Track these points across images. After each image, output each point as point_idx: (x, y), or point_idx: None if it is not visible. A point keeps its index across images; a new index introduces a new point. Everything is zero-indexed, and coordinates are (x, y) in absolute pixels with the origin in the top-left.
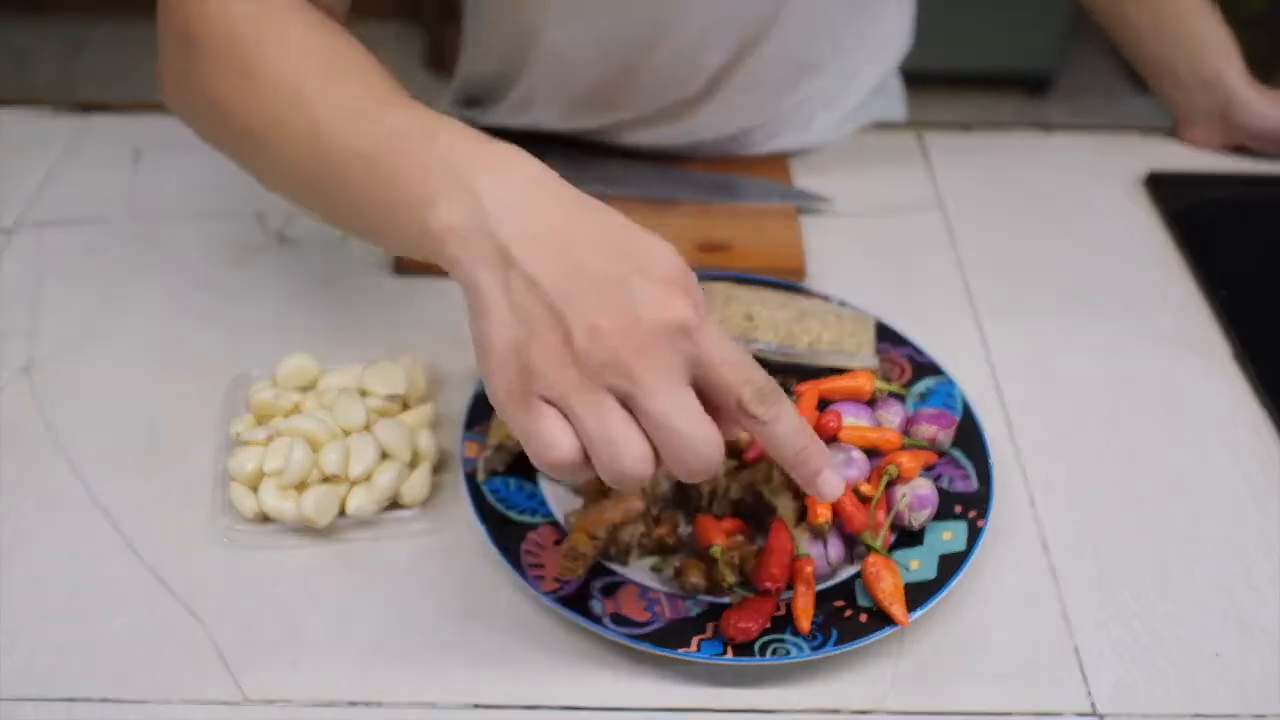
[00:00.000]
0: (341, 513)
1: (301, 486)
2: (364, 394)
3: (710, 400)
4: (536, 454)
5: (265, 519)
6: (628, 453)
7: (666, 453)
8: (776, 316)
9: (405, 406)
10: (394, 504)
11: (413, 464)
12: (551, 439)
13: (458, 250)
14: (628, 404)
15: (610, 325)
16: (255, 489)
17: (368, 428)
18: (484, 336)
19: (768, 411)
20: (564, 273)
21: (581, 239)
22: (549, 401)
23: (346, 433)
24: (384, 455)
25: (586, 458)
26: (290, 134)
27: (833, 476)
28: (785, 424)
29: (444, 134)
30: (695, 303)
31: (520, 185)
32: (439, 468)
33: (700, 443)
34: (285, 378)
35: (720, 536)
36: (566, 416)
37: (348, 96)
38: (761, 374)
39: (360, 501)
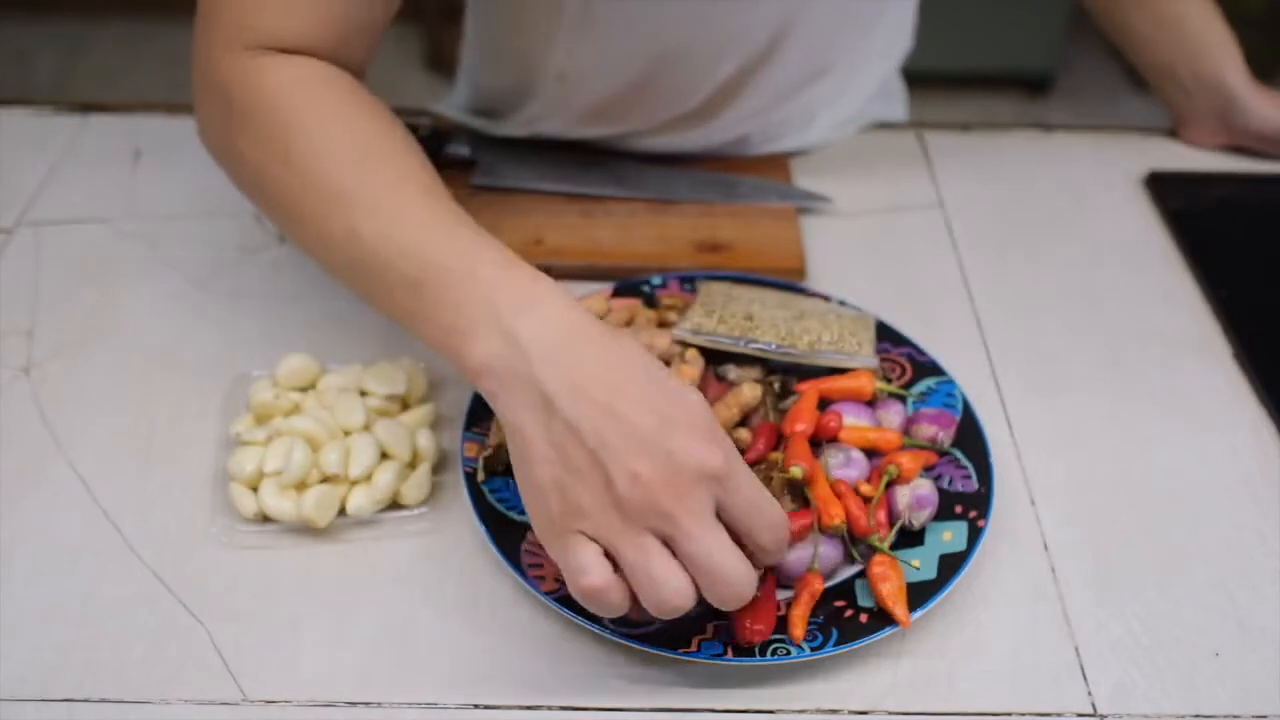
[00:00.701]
0: (341, 512)
1: (301, 486)
2: (364, 394)
3: (732, 532)
4: (572, 580)
5: (265, 519)
6: (670, 587)
7: (705, 585)
8: (776, 316)
9: (405, 406)
10: (394, 504)
11: (413, 464)
12: (587, 565)
13: (495, 388)
14: (667, 543)
15: (650, 473)
16: (255, 489)
17: (368, 428)
18: (527, 474)
19: (779, 553)
20: (603, 422)
21: (619, 389)
22: (590, 538)
23: (346, 433)
24: (384, 455)
25: (620, 587)
26: (330, 233)
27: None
28: (791, 557)
29: (484, 266)
30: (725, 450)
31: (559, 333)
32: (439, 468)
33: (736, 577)
34: (285, 378)
35: None
36: (607, 550)
37: (391, 209)
38: (779, 514)
39: (360, 501)
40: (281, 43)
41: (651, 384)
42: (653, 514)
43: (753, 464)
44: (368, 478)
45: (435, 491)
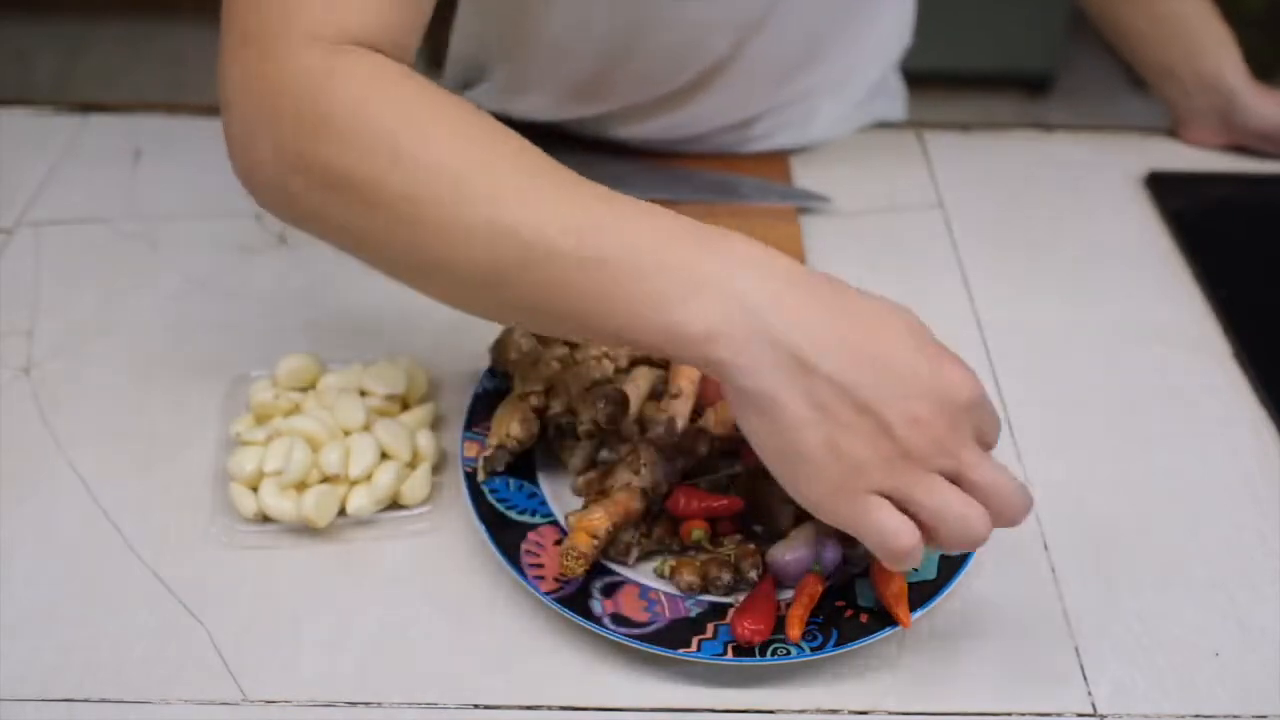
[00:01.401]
0: (342, 513)
1: (301, 486)
2: (364, 394)
3: None
4: (879, 545)
5: (265, 519)
6: (978, 520)
7: (995, 508)
8: None
9: (405, 406)
10: (394, 504)
11: (413, 464)
12: (893, 528)
13: (731, 354)
14: (954, 479)
15: (929, 414)
16: (255, 489)
17: (368, 428)
18: (791, 443)
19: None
20: (869, 370)
21: (871, 333)
22: (881, 493)
23: (346, 433)
24: (384, 455)
25: (921, 538)
26: (463, 232)
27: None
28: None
29: (671, 231)
30: (974, 374)
31: (783, 284)
32: (439, 468)
33: (1017, 494)
34: (285, 378)
35: (699, 521)
36: (898, 503)
37: (537, 194)
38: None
39: (360, 501)
40: (348, 34)
41: (892, 321)
42: (939, 453)
43: (754, 467)
44: (368, 478)
45: (435, 491)
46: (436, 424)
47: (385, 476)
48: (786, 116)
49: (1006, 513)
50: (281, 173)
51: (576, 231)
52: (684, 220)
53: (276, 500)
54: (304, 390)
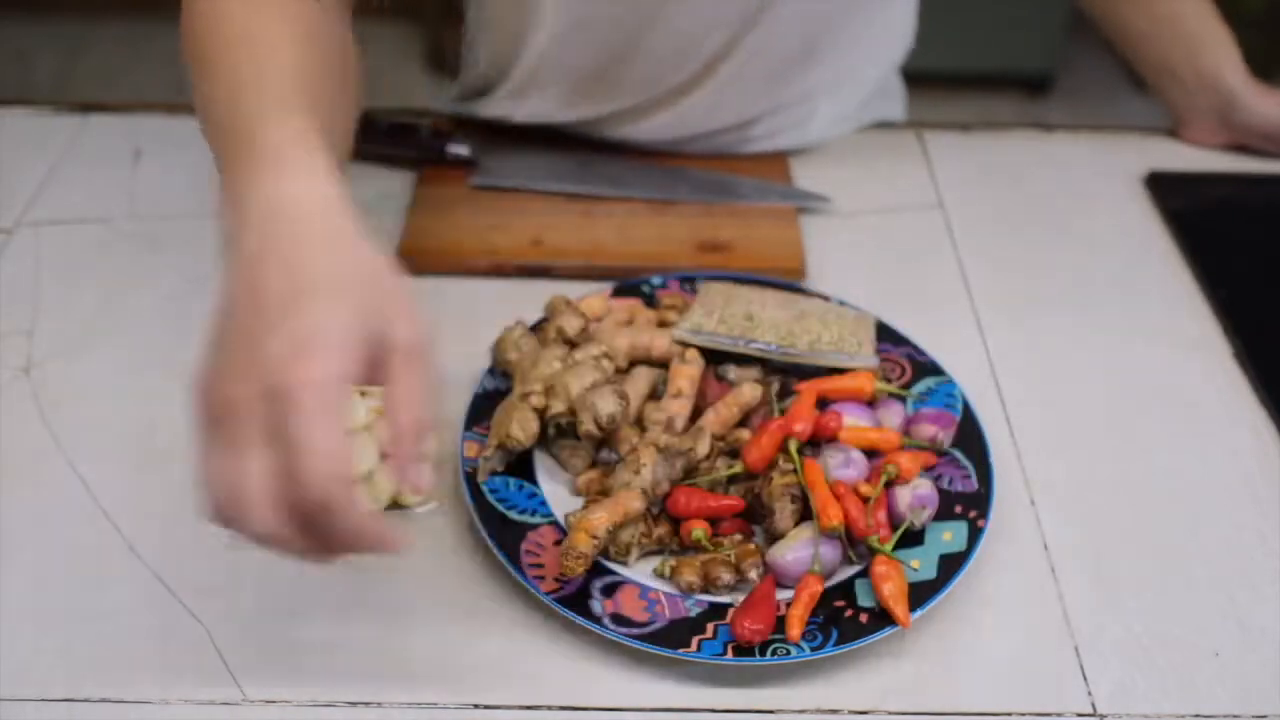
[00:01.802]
0: None
1: None
2: (363, 394)
3: None
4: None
5: None
6: (254, 505)
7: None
8: (776, 316)
9: None
10: (394, 504)
11: None
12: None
13: (225, 248)
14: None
15: (243, 364)
16: None
17: (368, 428)
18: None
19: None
20: (246, 295)
21: (278, 262)
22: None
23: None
24: (384, 455)
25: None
26: (201, 96)
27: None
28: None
29: (260, 137)
30: (309, 365)
31: (286, 197)
32: (438, 469)
33: (253, 510)
34: None
35: (699, 521)
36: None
37: (237, 86)
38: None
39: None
40: None
41: (307, 268)
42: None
43: (754, 465)
44: (368, 477)
45: (435, 492)
46: (436, 425)
47: (385, 476)
48: (786, 118)
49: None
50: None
51: (219, 124)
52: (280, 128)
53: None
54: None
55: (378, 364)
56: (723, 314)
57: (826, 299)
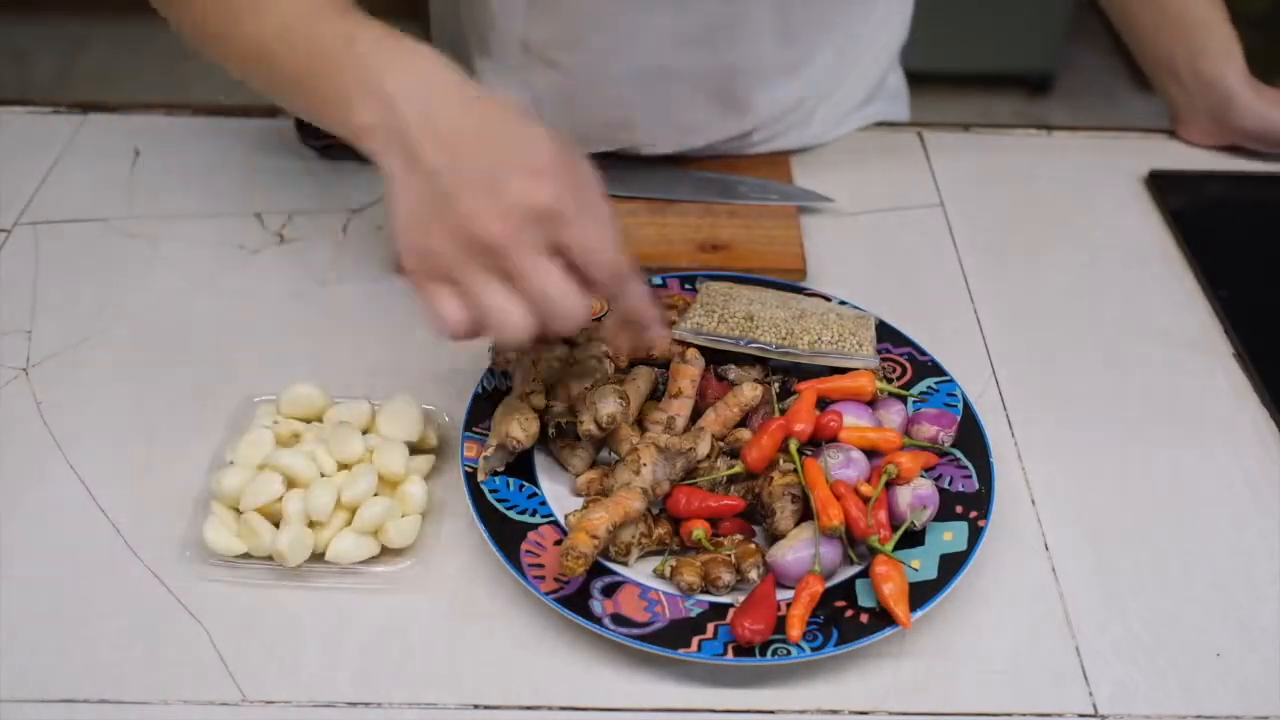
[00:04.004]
0: (320, 556)
1: (278, 521)
2: (366, 432)
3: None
4: (433, 327)
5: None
6: (508, 319)
7: (539, 313)
8: (777, 316)
9: (411, 451)
10: (384, 550)
11: (404, 510)
12: (444, 313)
13: (375, 146)
14: (511, 280)
15: (488, 211)
16: (239, 511)
17: (369, 457)
18: (392, 214)
19: (615, 288)
20: (457, 169)
21: (474, 138)
22: (449, 279)
23: (343, 465)
24: (375, 493)
25: (480, 327)
26: (238, 47)
27: (662, 330)
28: (631, 297)
29: (361, 41)
30: (556, 188)
31: (426, 90)
32: (438, 468)
33: (560, 304)
34: (290, 404)
35: (699, 521)
36: (461, 290)
37: (285, 13)
38: (614, 258)
39: (345, 546)
40: None
41: (505, 131)
42: (492, 251)
43: (754, 465)
44: (355, 509)
45: (434, 495)
46: (431, 474)
47: (374, 509)
48: (787, 120)
49: (551, 322)
50: None
51: (295, 47)
52: (378, 37)
53: (258, 527)
54: (308, 421)
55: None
56: (723, 314)
57: (827, 299)
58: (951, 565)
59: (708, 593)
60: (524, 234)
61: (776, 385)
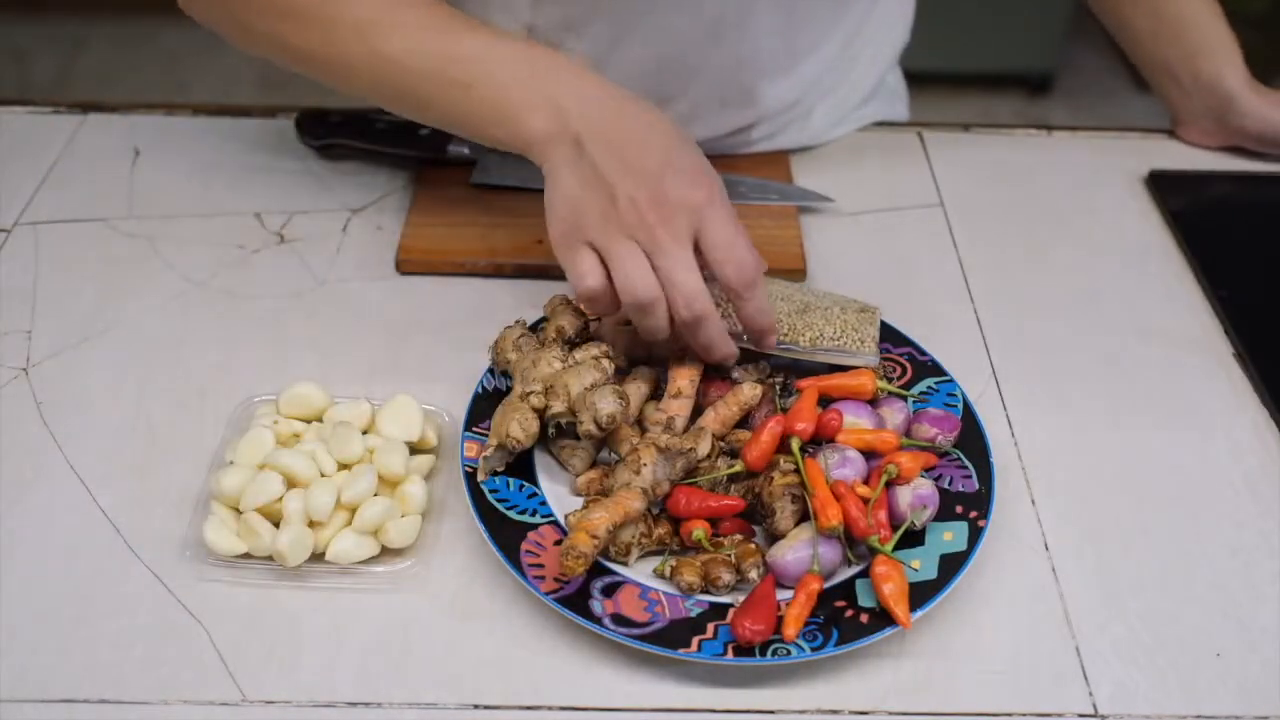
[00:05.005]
0: (320, 556)
1: (278, 521)
2: (366, 432)
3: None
4: (574, 281)
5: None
6: (641, 281)
7: (669, 295)
8: (779, 310)
9: (411, 451)
10: (384, 550)
11: (403, 508)
12: (586, 271)
13: (546, 147)
14: (648, 255)
15: (643, 198)
16: (239, 511)
17: (369, 457)
18: (552, 197)
19: (744, 291)
20: (618, 162)
21: (633, 139)
22: (593, 247)
23: (343, 465)
24: (375, 493)
25: (611, 293)
26: (350, 64)
27: (761, 343)
28: (754, 304)
29: (515, 57)
30: (709, 190)
31: (590, 93)
32: (436, 472)
33: (690, 291)
34: (290, 404)
35: (699, 521)
36: (604, 260)
37: (414, 27)
38: (748, 256)
39: (345, 546)
40: None
41: (657, 134)
42: (641, 229)
43: (754, 464)
44: (355, 509)
45: (434, 493)
46: (431, 474)
47: (374, 509)
48: (787, 117)
49: (676, 302)
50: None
51: (452, 61)
52: (525, 49)
53: (257, 527)
54: (308, 421)
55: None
56: (725, 309)
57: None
58: (951, 565)
59: (708, 593)
60: (672, 222)
61: (778, 385)
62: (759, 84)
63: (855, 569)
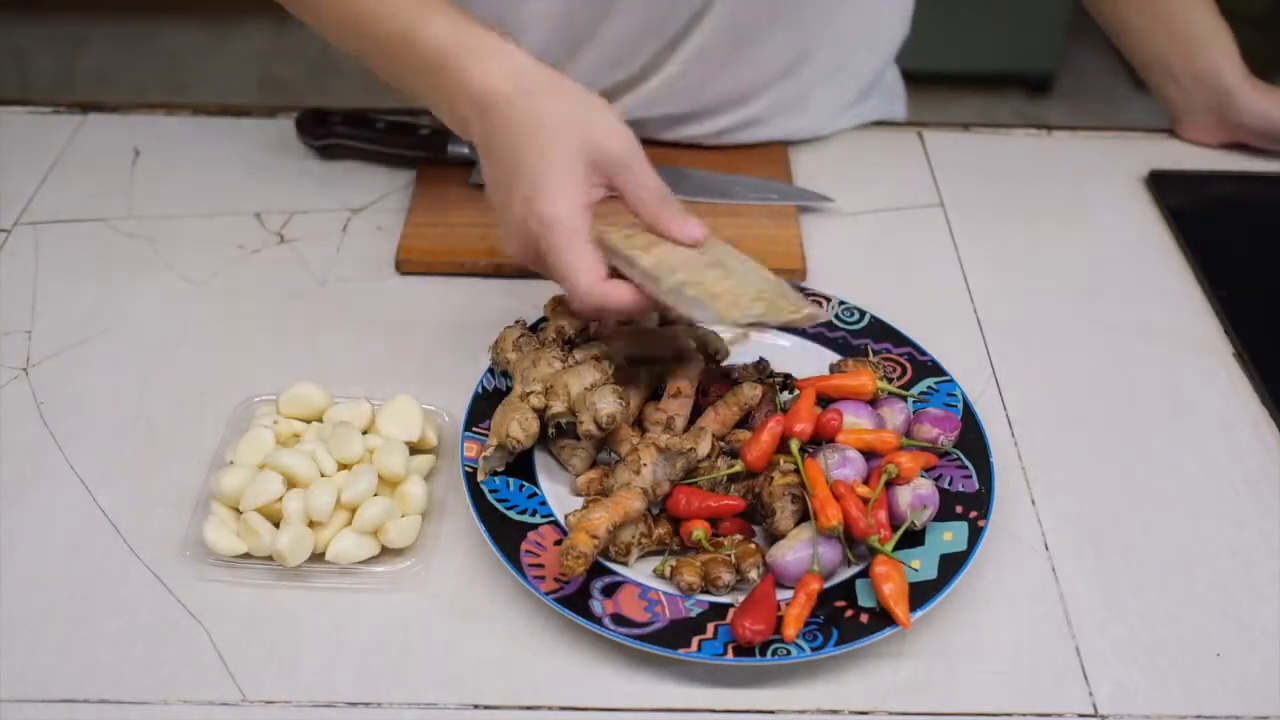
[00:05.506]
0: (321, 556)
1: (278, 521)
2: (366, 432)
3: None
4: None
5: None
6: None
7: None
8: (687, 254)
9: (411, 451)
10: (384, 550)
11: (404, 508)
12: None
13: (475, 139)
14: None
15: (512, 230)
16: (239, 511)
17: (369, 457)
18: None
19: (602, 317)
20: (492, 185)
21: (502, 164)
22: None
23: (343, 465)
24: (375, 493)
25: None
26: (337, 23)
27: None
28: (612, 323)
29: (461, 46)
30: (534, 242)
31: (492, 100)
32: (436, 472)
33: (576, 297)
34: (290, 404)
35: (699, 521)
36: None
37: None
38: (578, 289)
39: (345, 546)
40: None
41: (526, 173)
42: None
43: (754, 463)
44: (355, 508)
45: (434, 493)
46: (431, 474)
47: (374, 509)
48: (783, 104)
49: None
50: None
51: (408, 32)
52: (476, 38)
53: (257, 527)
54: (309, 421)
55: (607, 173)
56: (640, 240)
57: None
58: (951, 565)
59: (708, 593)
60: (527, 250)
61: (778, 384)
62: (753, 48)
63: (855, 569)
